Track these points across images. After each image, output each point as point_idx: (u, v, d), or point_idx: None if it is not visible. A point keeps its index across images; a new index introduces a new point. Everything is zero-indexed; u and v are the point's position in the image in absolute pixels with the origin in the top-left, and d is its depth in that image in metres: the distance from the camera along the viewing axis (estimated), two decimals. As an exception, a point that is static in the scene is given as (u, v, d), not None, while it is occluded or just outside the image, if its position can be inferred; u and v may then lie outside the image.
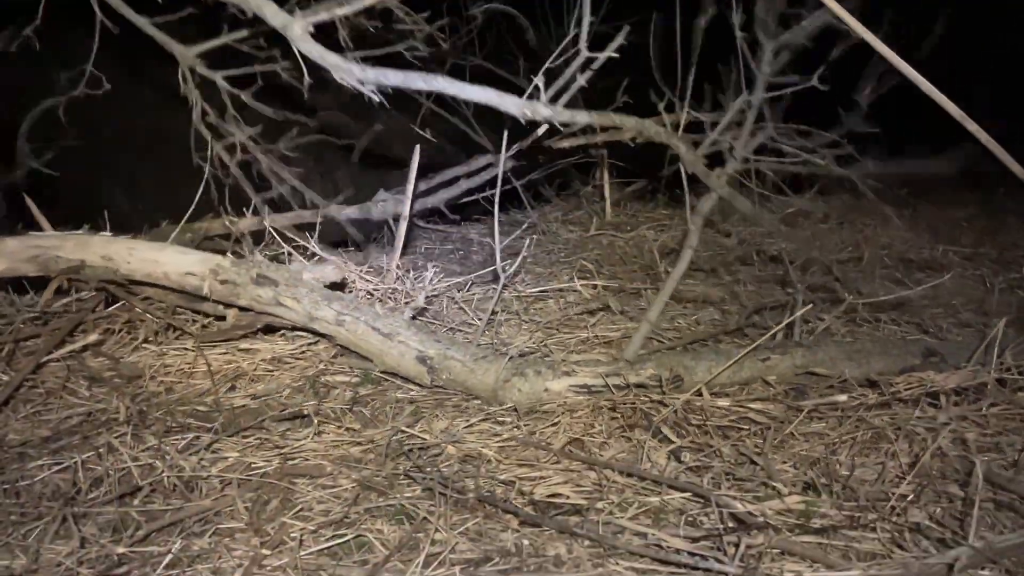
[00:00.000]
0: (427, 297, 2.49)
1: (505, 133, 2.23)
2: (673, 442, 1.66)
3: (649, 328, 1.97)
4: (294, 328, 2.12)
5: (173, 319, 2.13)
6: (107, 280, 2.09)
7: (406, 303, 2.30)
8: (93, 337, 2.00)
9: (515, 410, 1.82)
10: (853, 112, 3.47)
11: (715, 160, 2.30)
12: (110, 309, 2.15)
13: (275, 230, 2.50)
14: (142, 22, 2.60)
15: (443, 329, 2.34)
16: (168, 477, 1.53)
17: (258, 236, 2.72)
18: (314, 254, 2.52)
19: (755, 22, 2.05)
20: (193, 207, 2.51)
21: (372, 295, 2.47)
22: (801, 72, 2.10)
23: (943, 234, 3.28)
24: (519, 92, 2.11)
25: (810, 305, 2.01)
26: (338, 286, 2.17)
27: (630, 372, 1.84)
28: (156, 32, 2.63)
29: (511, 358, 1.92)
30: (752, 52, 2.08)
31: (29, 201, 2.41)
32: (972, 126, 1.53)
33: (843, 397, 1.76)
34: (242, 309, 2.07)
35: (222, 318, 2.13)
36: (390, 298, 2.47)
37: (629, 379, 1.83)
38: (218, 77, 2.74)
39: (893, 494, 1.45)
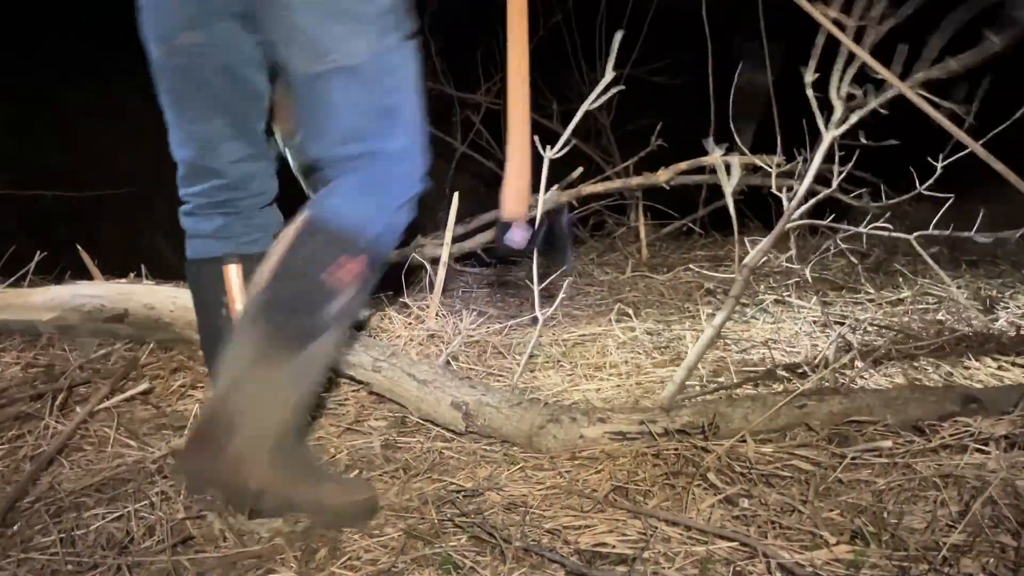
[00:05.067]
0: (465, 341, 2.52)
1: (544, 176, 2.25)
2: (720, 490, 1.65)
3: (686, 375, 1.97)
4: (336, 374, 2.15)
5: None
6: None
7: (446, 348, 2.33)
8: (143, 386, 2.05)
9: (554, 457, 1.82)
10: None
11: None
12: (163, 356, 2.21)
13: None
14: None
15: (481, 374, 2.36)
16: (218, 526, 1.55)
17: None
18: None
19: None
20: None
21: (412, 340, 2.50)
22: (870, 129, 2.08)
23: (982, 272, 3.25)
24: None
25: (850, 353, 2.00)
26: (358, 326, 2.20)
27: (665, 419, 1.85)
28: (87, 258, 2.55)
29: (546, 404, 1.93)
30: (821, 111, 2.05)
31: (81, 251, 2.49)
32: None
33: (888, 443, 1.75)
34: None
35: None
36: (432, 343, 2.50)
37: (665, 426, 1.83)
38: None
39: (944, 544, 1.43)
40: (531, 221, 1.87)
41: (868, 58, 1.78)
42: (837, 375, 2.08)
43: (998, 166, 1.69)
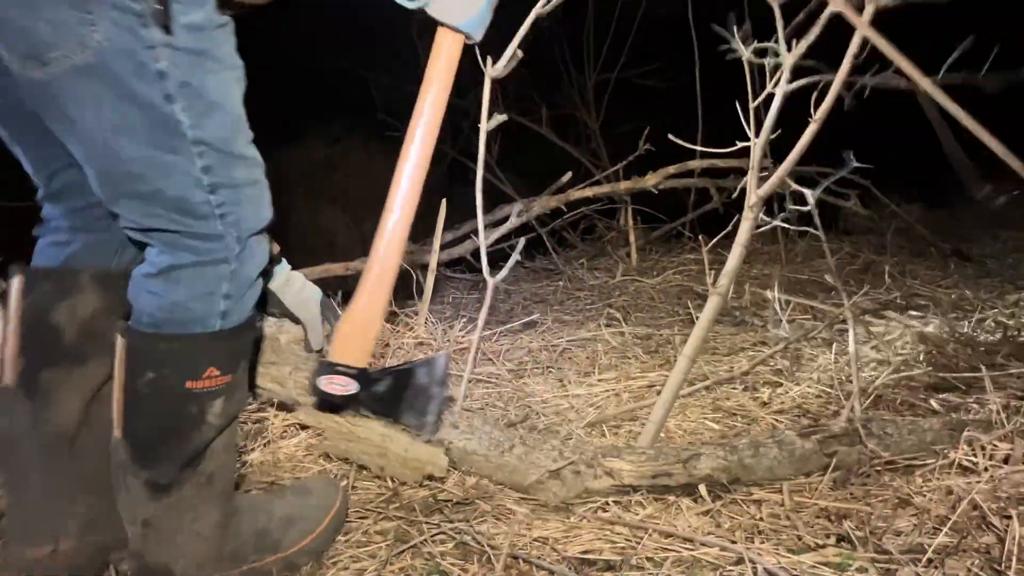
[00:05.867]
0: (454, 348, 2.52)
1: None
2: (706, 501, 1.65)
3: (665, 413, 1.83)
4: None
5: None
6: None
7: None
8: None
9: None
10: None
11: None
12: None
13: None
14: None
15: (469, 380, 2.35)
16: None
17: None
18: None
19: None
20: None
21: (400, 348, 2.50)
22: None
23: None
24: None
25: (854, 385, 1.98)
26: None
27: (681, 471, 1.69)
28: None
29: (545, 455, 1.73)
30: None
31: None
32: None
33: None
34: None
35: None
36: (420, 350, 2.50)
37: (680, 480, 1.69)
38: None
39: (929, 546, 1.43)
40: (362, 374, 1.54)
41: (890, 50, 1.74)
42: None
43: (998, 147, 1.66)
